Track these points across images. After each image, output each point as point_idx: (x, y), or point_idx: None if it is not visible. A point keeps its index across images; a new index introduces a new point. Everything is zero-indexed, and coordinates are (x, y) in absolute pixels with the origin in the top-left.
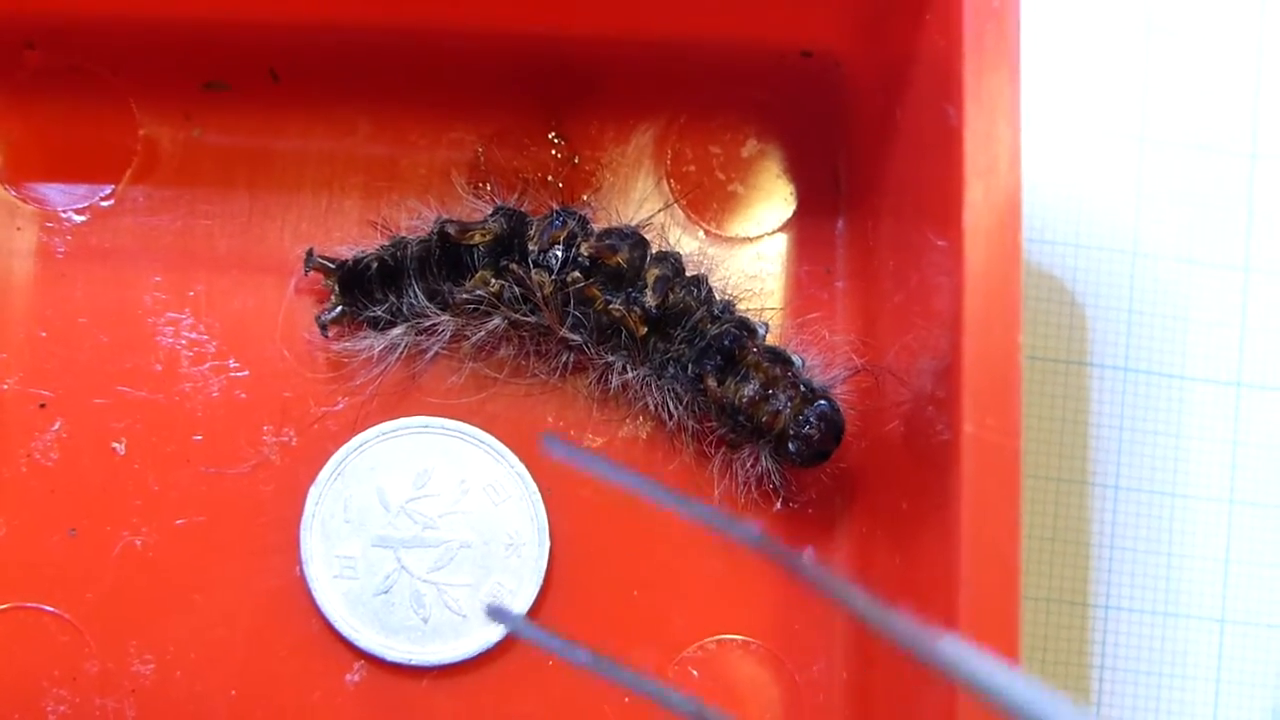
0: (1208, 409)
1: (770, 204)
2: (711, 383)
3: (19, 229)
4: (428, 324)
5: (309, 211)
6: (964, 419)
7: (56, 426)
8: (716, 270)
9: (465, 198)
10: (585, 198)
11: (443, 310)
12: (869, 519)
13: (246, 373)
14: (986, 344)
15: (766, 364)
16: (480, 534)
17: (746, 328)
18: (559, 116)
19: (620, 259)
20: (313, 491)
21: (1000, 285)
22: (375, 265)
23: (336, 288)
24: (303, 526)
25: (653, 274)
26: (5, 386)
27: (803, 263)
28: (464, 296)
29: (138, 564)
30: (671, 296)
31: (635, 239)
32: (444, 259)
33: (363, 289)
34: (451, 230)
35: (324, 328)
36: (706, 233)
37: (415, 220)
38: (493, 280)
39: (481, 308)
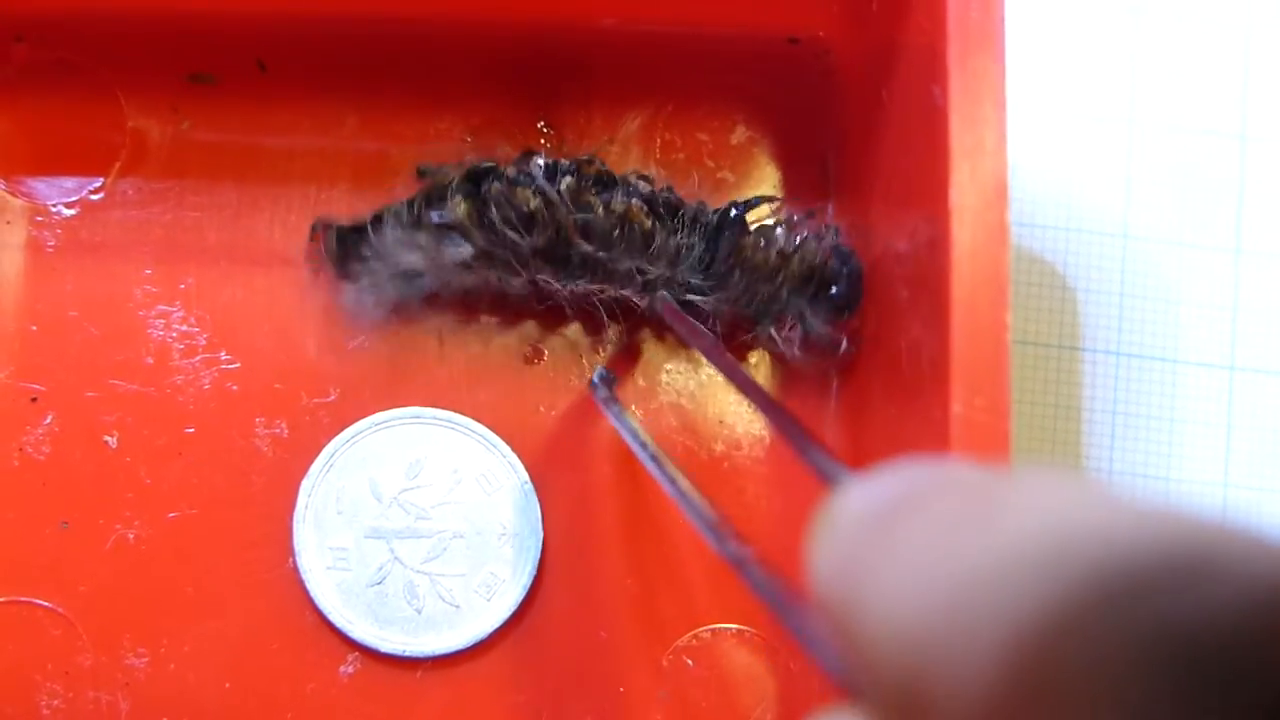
0: (1201, 392)
1: (760, 190)
2: (749, 240)
3: (8, 223)
4: (406, 261)
5: (298, 203)
6: (953, 400)
7: (48, 420)
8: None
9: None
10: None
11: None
12: None
13: (238, 365)
14: (974, 324)
15: (777, 230)
16: (473, 524)
17: (731, 213)
18: (547, 106)
19: (599, 168)
20: (305, 483)
21: (988, 264)
22: (370, 221)
23: (334, 237)
24: (295, 518)
25: (632, 173)
26: None
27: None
28: (436, 218)
29: (130, 557)
30: (657, 190)
31: (592, 157)
32: (429, 201)
33: (355, 242)
34: (430, 167)
35: (314, 268)
36: None
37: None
38: (462, 202)
39: (448, 232)
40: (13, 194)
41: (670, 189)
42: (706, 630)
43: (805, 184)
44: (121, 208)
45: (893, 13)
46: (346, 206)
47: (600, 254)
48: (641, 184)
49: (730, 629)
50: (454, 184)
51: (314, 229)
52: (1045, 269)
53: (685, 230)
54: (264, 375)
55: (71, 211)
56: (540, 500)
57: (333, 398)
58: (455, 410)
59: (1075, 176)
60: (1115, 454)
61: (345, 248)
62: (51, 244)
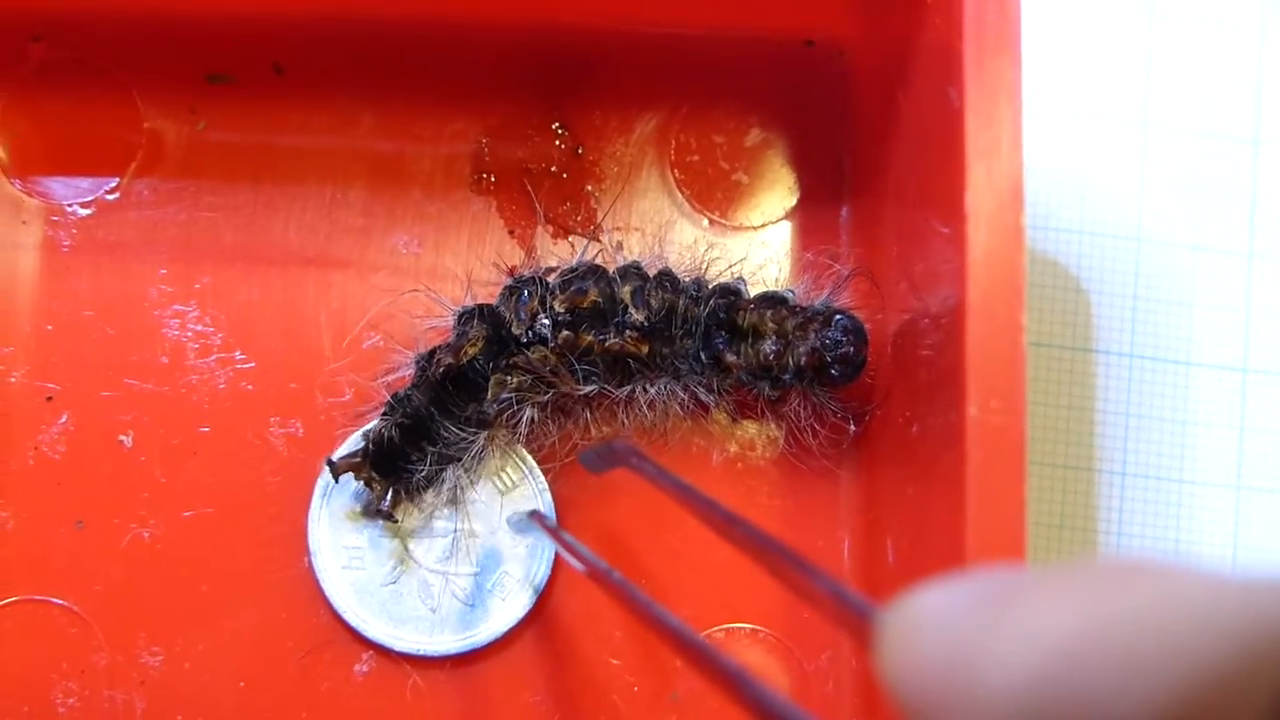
0: (1214, 394)
1: (774, 192)
2: (731, 357)
3: (24, 223)
4: (473, 450)
5: (313, 203)
6: (968, 401)
7: (63, 419)
8: (670, 252)
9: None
10: (589, 187)
11: (478, 429)
12: (875, 504)
13: (253, 364)
14: (990, 325)
15: (769, 314)
16: (487, 523)
17: (730, 292)
18: (562, 107)
19: (593, 297)
20: (320, 482)
21: (1003, 265)
22: (395, 432)
23: (374, 474)
24: (310, 517)
25: (627, 292)
26: (12, 380)
27: (807, 250)
28: (494, 408)
29: (146, 556)
30: (654, 302)
31: (594, 271)
32: (455, 387)
33: (397, 459)
34: (450, 359)
35: (389, 517)
36: (711, 222)
37: (392, 375)
38: (509, 379)
39: (511, 407)
40: (29, 194)
41: (665, 279)
42: (720, 630)
43: (820, 186)
44: (137, 208)
45: (908, 14)
46: (362, 207)
47: (606, 386)
48: (634, 311)
49: (744, 628)
50: (479, 363)
51: (331, 470)
52: (1059, 271)
53: (682, 336)
54: (279, 375)
55: (87, 211)
56: (555, 500)
57: (348, 397)
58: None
59: (1089, 179)
60: (1128, 456)
61: (395, 472)
62: (67, 244)
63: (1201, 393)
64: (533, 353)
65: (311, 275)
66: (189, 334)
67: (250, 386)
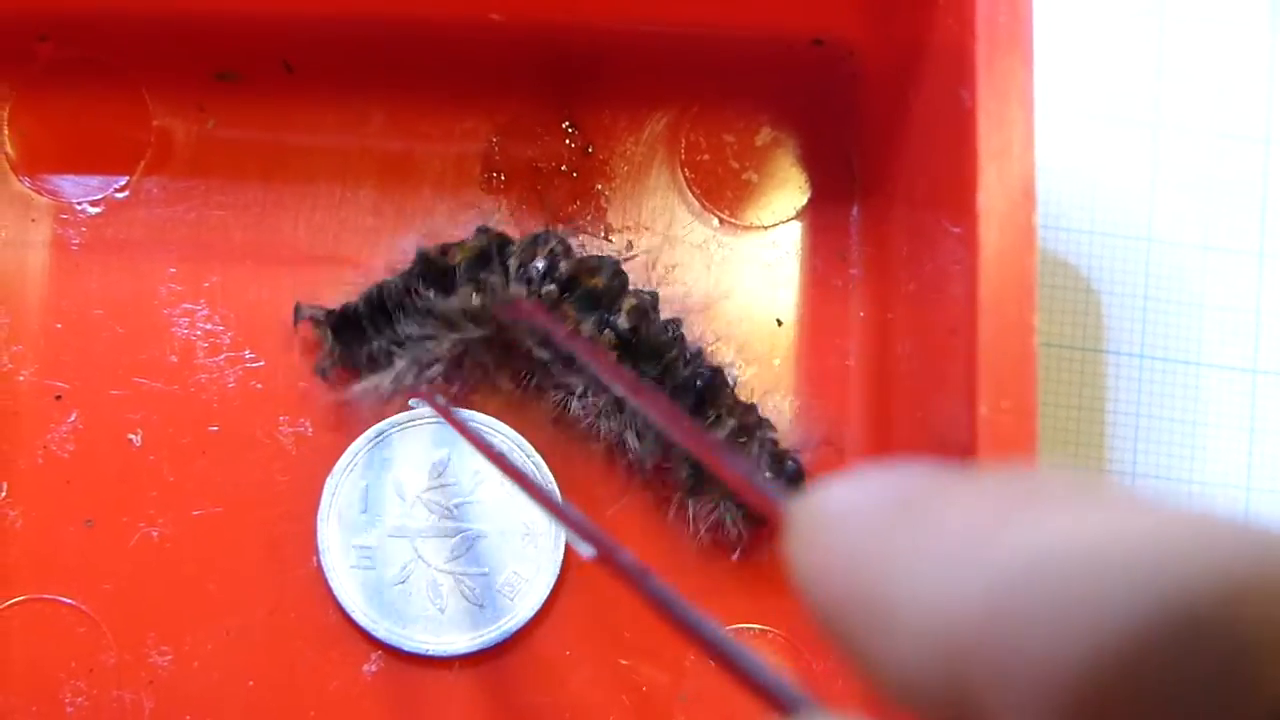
0: (1224, 396)
1: (785, 192)
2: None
3: (33, 221)
4: (428, 347)
5: (323, 202)
6: (979, 401)
7: (72, 418)
8: (690, 320)
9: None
10: (599, 186)
11: (437, 332)
12: None
13: (262, 363)
14: (1000, 325)
15: (741, 412)
16: (496, 523)
17: (719, 375)
18: (572, 106)
19: (598, 281)
20: (329, 482)
21: (1014, 265)
22: (364, 305)
23: (330, 333)
24: (319, 517)
25: (629, 303)
26: (21, 378)
27: (817, 250)
28: (445, 309)
29: (154, 555)
30: (645, 327)
31: (615, 268)
32: (428, 280)
33: (354, 330)
34: (431, 250)
35: (324, 373)
36: (721, 221)
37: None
38: (475, 296)
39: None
40: (38, 192)
41: (671, 324)
42: (729, 630)
43: (830, 185)
44: (146, 206)
45: (918, 14)
46: (372, 206)
47: (555, 365)
48: (625, 318)
49: (753, 629)
50: (460, 270)
51: (297, 313)
52: (1069, 271)
53: (654, 378)
54: (288, 374)
55: (96, 210)
56: (563, 499)
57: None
58: (478, 410)
59: (1100, 179)
60: (1138, 456)
61: (347, 340)
62: (76, 242)
63: (1211, 393)
64: (512, 286)
65: (321, 274)
66: (198, 333)
67: (259, 385)
